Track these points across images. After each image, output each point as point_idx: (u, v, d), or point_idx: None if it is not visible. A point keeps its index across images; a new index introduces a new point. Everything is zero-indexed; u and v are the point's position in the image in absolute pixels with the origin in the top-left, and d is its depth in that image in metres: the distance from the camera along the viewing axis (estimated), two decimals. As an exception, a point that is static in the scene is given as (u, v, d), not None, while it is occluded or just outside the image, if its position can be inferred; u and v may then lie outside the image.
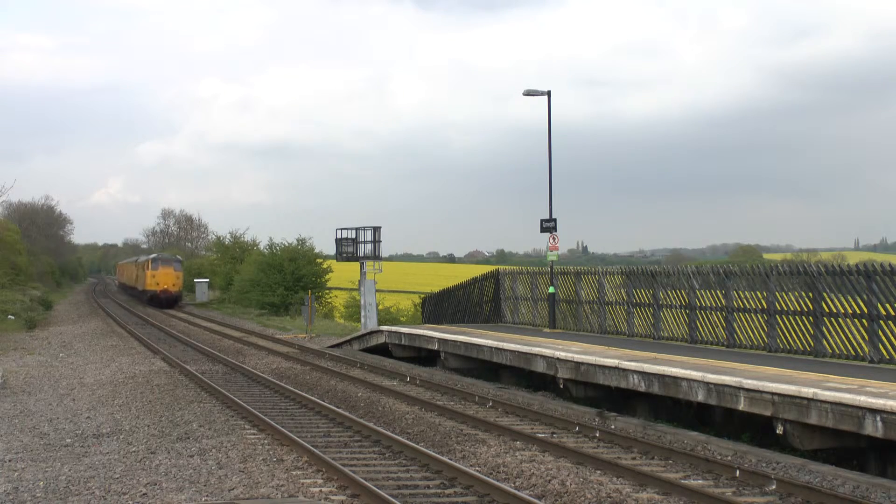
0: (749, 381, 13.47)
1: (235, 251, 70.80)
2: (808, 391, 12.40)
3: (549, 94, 26.90)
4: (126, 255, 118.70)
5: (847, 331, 17.02)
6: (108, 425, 15.68)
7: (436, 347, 24.26)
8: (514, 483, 11.37)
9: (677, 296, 21.33)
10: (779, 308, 18.40)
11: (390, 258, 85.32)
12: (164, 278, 62.35)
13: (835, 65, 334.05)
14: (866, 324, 16.49)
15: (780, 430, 12.88)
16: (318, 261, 55.00)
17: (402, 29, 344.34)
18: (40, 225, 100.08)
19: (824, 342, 17.39)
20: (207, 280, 75.34)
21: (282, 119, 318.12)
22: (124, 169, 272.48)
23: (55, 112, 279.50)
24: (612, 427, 15.26)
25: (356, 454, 13.19)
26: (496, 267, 33.90)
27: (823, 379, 13.68)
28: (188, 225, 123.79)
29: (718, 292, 20.08)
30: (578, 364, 17.60)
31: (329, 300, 56.01)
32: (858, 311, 16.68)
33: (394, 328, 28.41)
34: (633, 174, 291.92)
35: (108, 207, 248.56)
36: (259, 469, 12.04)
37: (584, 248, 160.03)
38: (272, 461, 12.56)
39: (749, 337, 19.22)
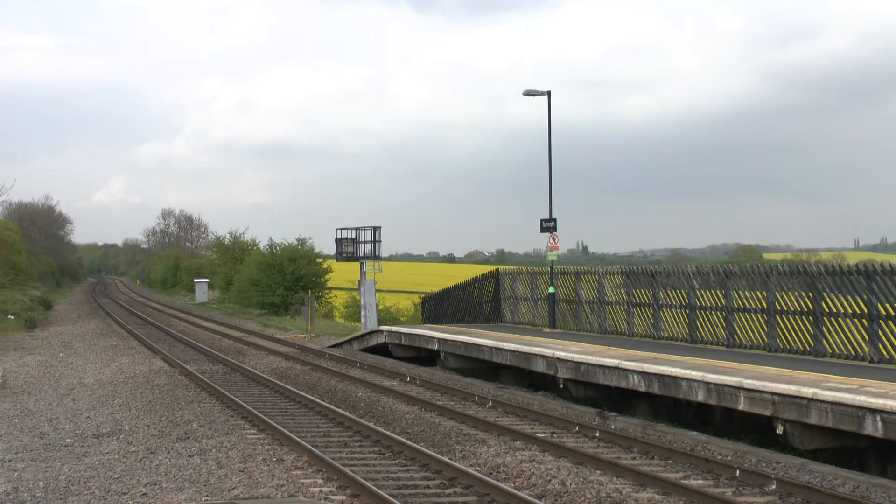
0: (749, 381, 13.47)
1: (235, 251, 70.90)
2: (807, 391, 12.40)
3: (548, 94, 26.90)
4: (125, 255, 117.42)
5: (847, 330, 17.01)
6: (108, 425, 15.68)
7: (436, 347, 24.25)
8: (514, 483, 11.36)
9: (677, 296, 21.32)
10: (779, 308, 18.40)
11: (390, 258, 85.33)
12: None
13: (833, 65, 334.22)
14: (866, 323, 16.47)
15: (780, 429, 12.88)
16: (318, 261, 55.00)
17: (400, 30, 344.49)
18: (40, 225, 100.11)
19: (824, 342, 17.38)
20: (207, 280, 75.48)
21: (282, 119, 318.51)
22: (124, 169, 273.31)
23: (55, 112, 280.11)
24: (612, 427, 15.25)
25: (356, 454, 13.19)
26: (496, 267, 33.89)
27: (823, 379, 13.67)
28: (188, 225, 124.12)
29: (718, 292, 20.07)
30: (578, 364, 17.60)
31: (329, 300, 56.01)
32: (858, 311, 16.67)
33: (394, 328, 28.40)
34: (633, 174, 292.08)
35: (108, 207, 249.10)
36: (259, 469, 12.04)
37: (584, 248, 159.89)
38: (272, 461, 12.55)
39: (749, 337, 19.21)
